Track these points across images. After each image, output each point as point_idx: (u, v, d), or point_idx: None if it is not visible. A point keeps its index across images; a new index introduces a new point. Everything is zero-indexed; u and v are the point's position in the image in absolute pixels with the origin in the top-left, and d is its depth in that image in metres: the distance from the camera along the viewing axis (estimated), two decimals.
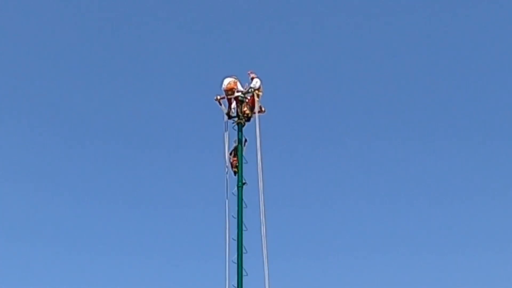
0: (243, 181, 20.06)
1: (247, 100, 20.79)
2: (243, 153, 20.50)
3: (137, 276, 39.81)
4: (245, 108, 20.69)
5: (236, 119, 20.77)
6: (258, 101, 20.79)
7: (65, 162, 46.02)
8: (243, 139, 20.66)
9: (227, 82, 20.97)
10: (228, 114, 20.91)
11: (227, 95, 20.90)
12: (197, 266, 39.75)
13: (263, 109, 21.01)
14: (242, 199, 19.82)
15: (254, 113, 20.71)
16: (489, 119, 46.29)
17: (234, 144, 20.68)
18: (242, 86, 20.98)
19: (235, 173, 20.31)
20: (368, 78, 48.29)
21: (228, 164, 20.50)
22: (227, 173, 20.40)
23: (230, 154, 20.57)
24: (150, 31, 50.49)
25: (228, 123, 20.86)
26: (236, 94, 20.78)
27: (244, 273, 19.01)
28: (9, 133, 46.21)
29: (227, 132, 20.80)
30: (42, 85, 48.36)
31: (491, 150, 44.83)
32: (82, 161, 46.17)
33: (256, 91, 20.84)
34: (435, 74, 48.42)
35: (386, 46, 49.49)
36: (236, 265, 19.08)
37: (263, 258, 18.89)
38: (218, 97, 20.98)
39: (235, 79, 21.09)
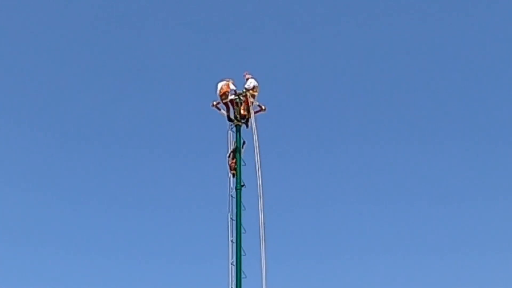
0: (242, 183, 20.09)
1: (243, 101, 20.79)
2: (242, 155, 20.51)
3: (137, 277, 39.86)
4: (242, 110, 20.70)
5: (234, 121, 20.80)
6: (253, 101, 20.76)
7: (66, 163, 46.10)
8: (242, 142, 20.67)
9: (220, 87, 20.96)
10: (228, 117, 20.93)
11: (222, 99, 20.93)
12: (197, 267, 39.81)
13: (263, 107, 21.02)
14: (240, 201, 19.84)
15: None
16: (489, 119, 46.29)
17: (233, 147, 20.67)
18: (236, 87, 20.95)
19: (233, 175, 20.33)
20: (368, 78, 48.25)
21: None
22: (229, 175, 20.43)
23: (229, 156, 20.58)
24: (153, 31, 50.50)
25: (230, 126, 20.87)
26: (230, 97, 20.79)
27: (242, 275, 19.04)
28: (9, 133, 46.27)
29: (230, 135, 20.84)
30: (41, 85, 48.42)
31: (491, 150, 44.82)
32: (83, 162, 46.23)
33: (251, 91, 20.82)
34: (435, 74, 48.43)
35: (386, 46, 49.49)
36: (234, 267, 19.10)
37: (261, 260, 18.93)
38: (214, 103, 21.02)
39: (227, 81, 21.03)
